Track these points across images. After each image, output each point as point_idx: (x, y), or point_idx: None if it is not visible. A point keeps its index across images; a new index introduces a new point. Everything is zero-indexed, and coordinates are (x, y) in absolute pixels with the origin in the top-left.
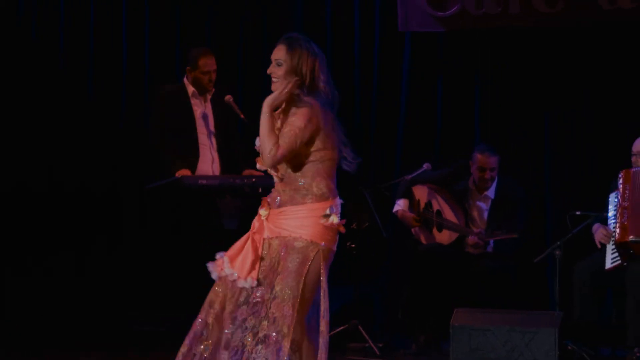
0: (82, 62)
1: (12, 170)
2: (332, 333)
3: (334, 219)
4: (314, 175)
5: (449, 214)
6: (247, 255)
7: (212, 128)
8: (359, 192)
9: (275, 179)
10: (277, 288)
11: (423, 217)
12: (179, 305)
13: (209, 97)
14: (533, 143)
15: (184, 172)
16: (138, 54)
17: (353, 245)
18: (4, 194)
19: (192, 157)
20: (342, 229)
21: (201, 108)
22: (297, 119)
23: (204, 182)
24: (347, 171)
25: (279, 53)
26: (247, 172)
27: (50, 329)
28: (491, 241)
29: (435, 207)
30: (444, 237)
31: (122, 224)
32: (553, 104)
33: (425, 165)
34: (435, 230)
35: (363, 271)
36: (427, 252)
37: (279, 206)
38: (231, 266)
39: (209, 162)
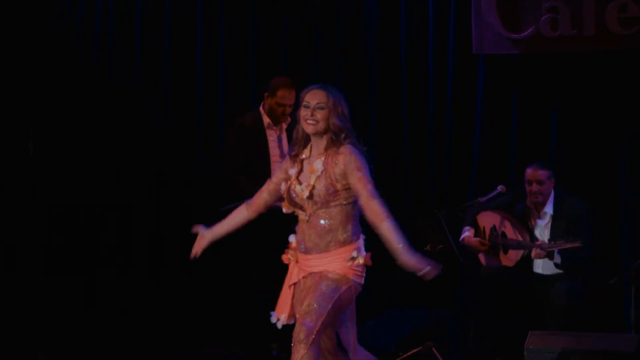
0: (158, 88)
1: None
2: (406, 355)
3: (360, 260)
4: (342, 219)
5: (513, 234)
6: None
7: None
8: (433, 214)
9: (302, 218)
10: (304, 304)
11: (490, 242)
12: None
13: (284, 126)
14: (609, 164)
15: None
16: (212, 79)
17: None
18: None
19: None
20: (369, 262)
21: (274, 137)
22: (361, 167)
23: (278, 204)
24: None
25: (319, 97)
26: None
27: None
28: (556, 252)
29: (500, 230)
30: (511, 257)
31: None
32: (630, 126)
33: (500, 188)
34: (502, 254)
35: (437, 293)
36: (490, 276)
37: (305, 252)
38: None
39: None
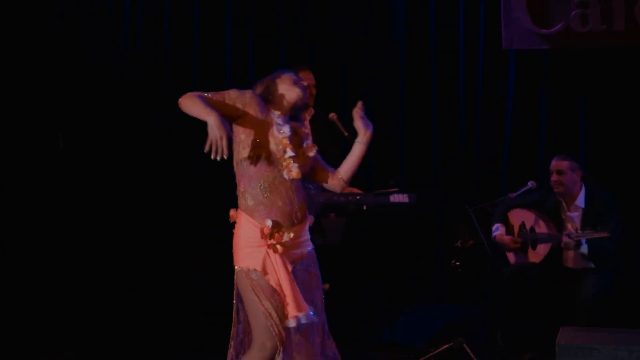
0: (186, 84)
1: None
2: (437, 351)
3: None
4: None
5: (541, 229)
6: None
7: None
8: (463, 210)
9: (287, 179)
10: (319, 298)
11: (521, 240)
12: None
13: (307, 117)
14: (639, 159)
15: None
16: (242, 76)
17: (458, 264)
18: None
19: None
20: None
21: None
22: None
23: None
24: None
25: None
26: (347, 190)
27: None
28: (583, 241)
29: (529, 225)
30: (539, 252)
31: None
32: None
33: (530, 184)
34: (530, 250)
35: (468, 289)
36: (520, 271)
37: (298, 223)
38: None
39: None
